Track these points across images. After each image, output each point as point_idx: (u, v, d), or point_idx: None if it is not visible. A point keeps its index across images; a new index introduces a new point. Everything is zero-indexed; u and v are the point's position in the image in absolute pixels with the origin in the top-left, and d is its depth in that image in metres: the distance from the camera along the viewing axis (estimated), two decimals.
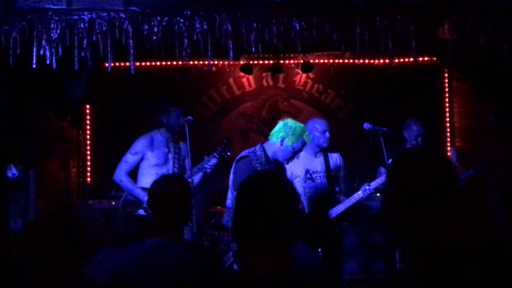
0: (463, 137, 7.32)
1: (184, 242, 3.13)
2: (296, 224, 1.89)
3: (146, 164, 5.58)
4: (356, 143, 6.85)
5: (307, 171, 5.25)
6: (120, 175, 5.54)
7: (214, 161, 5.39)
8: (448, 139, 7.41)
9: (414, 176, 1.79)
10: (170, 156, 5.61)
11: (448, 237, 1.76)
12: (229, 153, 5.40)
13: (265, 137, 7.47)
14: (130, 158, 5.56)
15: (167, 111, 5.62)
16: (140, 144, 5.59)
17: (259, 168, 4.63)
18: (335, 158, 5.42)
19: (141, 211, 5.41)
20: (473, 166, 5.98)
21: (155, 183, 2.99)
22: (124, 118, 7.18)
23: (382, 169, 5.78)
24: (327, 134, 5.31)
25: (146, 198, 5.27)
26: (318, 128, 5.30)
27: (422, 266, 1.72)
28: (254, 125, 7.63)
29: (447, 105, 7.47)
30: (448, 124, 7.44)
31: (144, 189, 5.40)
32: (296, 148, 4.76)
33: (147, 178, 5.50)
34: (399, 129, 5.98)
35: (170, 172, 5.52)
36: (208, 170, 5.44)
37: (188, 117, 5.30)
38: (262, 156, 4.71)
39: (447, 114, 7.47)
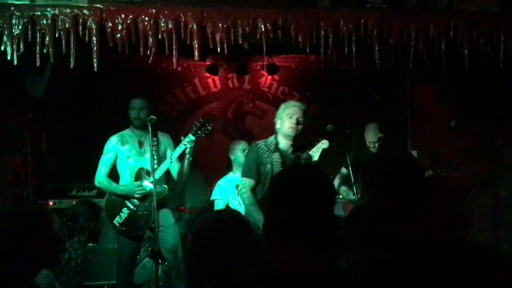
0: (424, 140, 7.45)
1: None
2: (334, 220, 1.80)
3: (120, 161, 5.47)
4: None
5: None
6: (98, 177, 5.43)
7: (190, 138, 5.21)
8: (410, 142, 7.53)
9: (386, 175, 2.02)
10: (146, 148, 5.38)
11: (415, 232, 1.92)
12: (205, 132, 5.31)
13: (230, 138, 7.55)
14: (104, 159, 5.46)
15: (127, 105, 5.50)
16: (109, 142, 5.49)
17: (266, 156, 4.61)
18: None
19: (129, 205, 5.33)
20: (432, 167, 6.14)
21: None
22: (86, 116, 7.09)
23: (344, 170, 5.86)
24: None
25: (124, 190, 5.28)
26: None
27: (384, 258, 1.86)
28: (219, 126, 7.62)
29: (409, 108, 7.59)
30: (410, 127, 7.56)
31: (124, 185, 5.38)
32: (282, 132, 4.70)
33: (124, 172, 5.44)
34: (361, 131, 6.08)
35: (148, 163, 5.31)
36: (188, 147, 5.21)
37: (151, 115, 5.27)
38: (273, 144, 4.69)
39: (409, 118, 7.58)
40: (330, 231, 1.77)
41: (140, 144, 5.42)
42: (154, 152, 5.32)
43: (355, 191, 5.38)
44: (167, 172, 5.45)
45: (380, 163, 2.11)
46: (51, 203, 6.38)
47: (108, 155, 5.46)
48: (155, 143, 5.44)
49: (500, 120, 6.67)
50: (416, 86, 7.54)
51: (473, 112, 6.70)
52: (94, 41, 4.55)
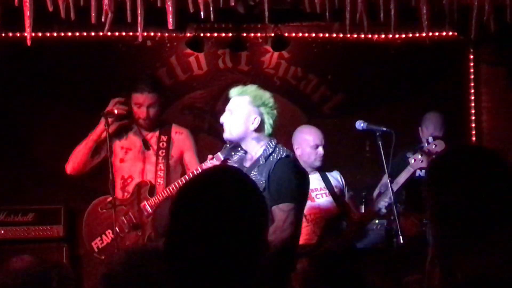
0: (493, 139, 7.43)
1: None
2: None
3: None
4: (346, 148, 6.88)
5: None
6: None
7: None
8: (474, 136, 7.51)
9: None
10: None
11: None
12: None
13: (220, 139, 7.49)
14: None
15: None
16: None
17: None
18: (335, 175, 5.78)
19: None
20: None
21: None
22: (16, 114, 7.07)
23: (385, 179, 5.84)
24: (321, 150, 5.60)
25: None
26: (309, 141, 5.60)
27: None
28: (205, 123, 7.58)
29: (473, 97, 7.57)
30: (473, 123, 7.54)
31: None
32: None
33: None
34: (404, 129, 6.02)
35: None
36: None
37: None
38: None
39: (473, 110, 7.57)
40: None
41: (146, 144, 5.53)
42: (161, 158, 5.49)
43: (394, 209, 5.35)
44: None
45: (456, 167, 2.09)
46: None
47: None
48: (164, 144, 5.56)
49: None
50: (483, 66, 7.52)
51: None
52: (28, 4, 4.54)
